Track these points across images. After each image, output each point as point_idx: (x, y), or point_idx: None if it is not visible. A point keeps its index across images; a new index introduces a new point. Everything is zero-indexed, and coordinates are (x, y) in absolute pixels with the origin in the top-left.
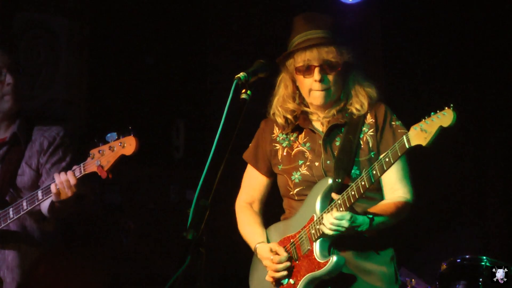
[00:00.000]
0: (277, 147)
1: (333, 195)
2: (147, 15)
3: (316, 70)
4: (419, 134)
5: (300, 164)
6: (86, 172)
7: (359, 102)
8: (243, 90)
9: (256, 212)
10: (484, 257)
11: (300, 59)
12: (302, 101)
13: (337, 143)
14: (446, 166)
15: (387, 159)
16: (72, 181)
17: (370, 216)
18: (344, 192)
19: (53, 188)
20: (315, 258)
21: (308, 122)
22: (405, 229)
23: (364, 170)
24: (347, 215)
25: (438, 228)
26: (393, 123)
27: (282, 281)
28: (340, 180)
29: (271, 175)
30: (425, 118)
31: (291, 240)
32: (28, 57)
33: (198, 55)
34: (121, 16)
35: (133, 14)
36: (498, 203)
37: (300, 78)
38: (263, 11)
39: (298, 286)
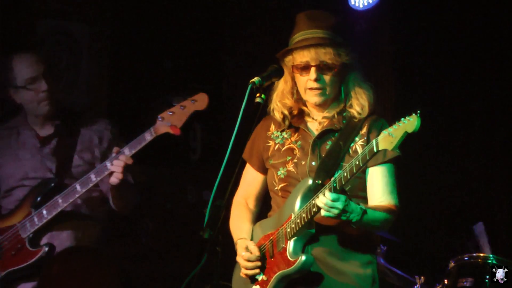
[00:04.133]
0: (270, 144)
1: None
2: (165, 21)
3: (313, 69)
4: (386, 138)
5: (287, 160)
6: (158, 134)
7: (359, 105)
8: (258, 94)
9: (250, 209)
10: (491, 255)
11: (298, 58)
12: (301, 99)
13: (327, 147)
14: (451, 165)
15: (357, 162)
16: (129, 161)
17: (363, 208)
18: (322, 189)
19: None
20: (286, 256)
21: (303, 121)
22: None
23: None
24: (342, 197)
25: (445, 227)
26: None
27: (257, 277)
28: (320, 181)
29: (265, 171)
30: (394, 123)
31: (270, 238)
32: (50, 62)
33: (215, 60)
34: (140, 22)
35: (151, 20)
36: (505, 201)
37: (297, 76)
38: (277, 17)
39: (270, 282)
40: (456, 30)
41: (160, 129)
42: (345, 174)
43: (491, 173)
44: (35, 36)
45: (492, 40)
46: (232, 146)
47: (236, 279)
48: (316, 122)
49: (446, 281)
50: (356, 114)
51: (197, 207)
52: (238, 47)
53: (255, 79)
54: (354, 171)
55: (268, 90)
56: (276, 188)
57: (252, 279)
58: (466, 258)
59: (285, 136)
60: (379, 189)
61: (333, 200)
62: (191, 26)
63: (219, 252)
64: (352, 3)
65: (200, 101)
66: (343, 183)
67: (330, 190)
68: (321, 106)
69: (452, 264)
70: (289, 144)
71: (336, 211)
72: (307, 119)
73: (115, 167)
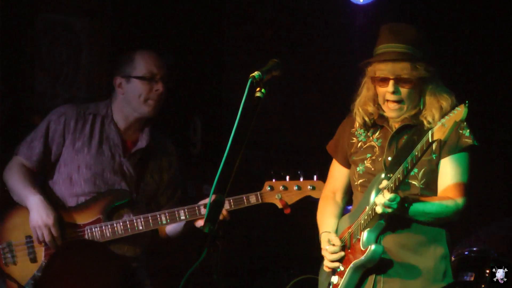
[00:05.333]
0: (354, 140)
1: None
2: (166, 15)
3: (391, 82)
4: (440, 129)
5: (367, 157)
6: (263, 202)
7: (431, 115)
8: (258, 89)
9: (337, 202)
10: (492, 250)
11: (377, 70)
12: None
13: (403, 141)
14: None
15: (416, 153)
16: (225, 213)
17: (409, 200)
18: (389, 181)
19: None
20: (360, 246)
21: (385, 120)
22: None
23: (405, 165)
24: (398, 197)
25: None
26: (460, 131)
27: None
28: (391, 175)
29: (350, 166)
30: (447, 113)
31: (349, 230)
32: (50, 56)
33: (215, 55)
34: (141, 16)
35: (152, 14)
36: (504, 200)
37: (377, 87)
38: (277, 12)
39: (346, 272)
40: (457, 24)
41: (268, 198)
42: (407, 166)
43: (490, 169)
44: (35, 30)
45: (494, 35)
46: (232, 141)
47: (321, 271)
48: (394, 124)
49: None
50: (426, 123)
51: (197, 201)
52: (238, 42)
53: (255, 73)
54: (414, 161)
55: (268, 85)
56: (356, 183)
57: (334, 270)
58: (466, 253)
59: (368, 134)
60: (447, 180)
61: (391, 200)
62: (191, 21)
63: (219, 246)
64: None
65: (318, 189)
66: (405, 173)
67: (389, 190)
68: (399, 117)
69: (452, 258)
70: (370, 141)
71: (391, 209)
72: (389, 119)
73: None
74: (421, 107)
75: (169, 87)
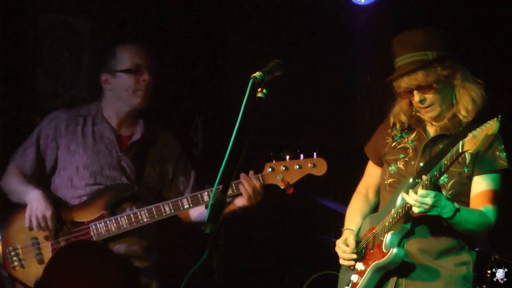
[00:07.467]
0: (388, 141)
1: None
2: (167, 15)
3: (415, 93)
4: (471, 141)
5: (400, 157)
6: (265, 183)
7: (464, 108)
8: (259, 89)
9: (369, 199)
10: (493, 251)
11: (397, 87)
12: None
13: (438, 150)
14: None
15: (445, 162)
16: (258, 184)
17: (457, 206)
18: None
19: (245, 192)
20: (382, 248)
21: (422, 124)
22: None
23: (432, 174)
24: (432, 193)
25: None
26: (497, 152)
27: (356, 267)
28: (419, 180)
29: (383, 165)
30: (480, 125)
31: (373, 231)
32: (51, 57)
33: (216, 55)
34: (142, 17)
35: (153, 14)
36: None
37: (406, 100)
38: (279, 12)
39: (367, 272)
40: (459, 25)
41: (269, 180)
42: (435, 173)
43: None
44: (36, 31)
45: (496, 34)
46: (233, 141)
47: (342, 268)
48: (434, 127)
49: None
50: (462, 118)
51: None
52: (240, 43)
53: (257, 74)
54: (443, 170)
55: (269, 85)
56: (385, 182)
57: (353, 267)
58: None
59: (404, 135)
60: (480, 197)
61: (423, 196)
62: (193, 21)
63: (220, 246)
64: None
65: (319, 166)
66: (432, 181)
67: (422, 188)
68: (437, 119)
69: None
70: (404, 143)
71: (426, 207)
72: (426, 122)
73: (248, 191)
74: (454, 102)
75: (157, 76)
